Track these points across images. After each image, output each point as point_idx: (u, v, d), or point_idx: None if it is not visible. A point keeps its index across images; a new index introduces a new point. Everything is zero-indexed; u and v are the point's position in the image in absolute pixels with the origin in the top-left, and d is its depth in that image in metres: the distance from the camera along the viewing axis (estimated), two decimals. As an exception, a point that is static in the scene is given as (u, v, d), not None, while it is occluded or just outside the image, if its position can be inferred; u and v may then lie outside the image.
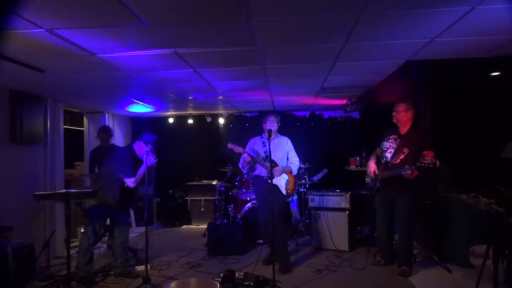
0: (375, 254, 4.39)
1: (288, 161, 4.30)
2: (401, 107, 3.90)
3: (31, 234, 4.48)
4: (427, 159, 3.41)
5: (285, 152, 4.30)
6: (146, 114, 7.17)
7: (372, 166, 4.08)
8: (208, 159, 7.54)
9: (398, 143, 3.93)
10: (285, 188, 4.20)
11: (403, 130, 3.96)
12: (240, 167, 4.35)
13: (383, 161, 4.01)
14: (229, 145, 4.22)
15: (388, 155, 3.96)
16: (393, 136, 4.00)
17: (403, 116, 3.90)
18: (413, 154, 3.73)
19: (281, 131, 4.46)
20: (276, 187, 4.09)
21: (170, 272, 4.20)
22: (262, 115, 4.26)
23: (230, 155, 4.06)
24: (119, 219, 4.07)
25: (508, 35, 2.90)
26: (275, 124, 4.24)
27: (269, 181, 3.75)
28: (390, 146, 3.99)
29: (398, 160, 3.83)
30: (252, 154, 4.21)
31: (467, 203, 3.99)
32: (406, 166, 3.60)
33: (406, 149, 3.81)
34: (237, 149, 4.19)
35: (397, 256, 4.05)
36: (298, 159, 4.36)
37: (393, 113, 3.96)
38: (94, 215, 3.90)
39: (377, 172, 4.00)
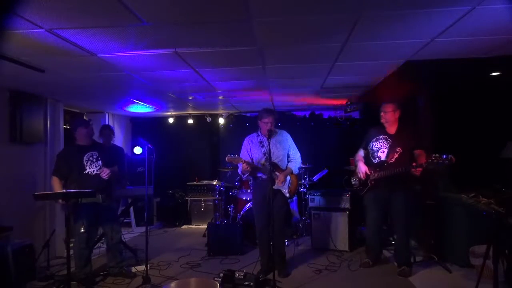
0: (362, 254, 4.33)
1: (289, 159, 4.06)
2: (389, 107, 3.93)
3: (31, 234, 4.48)
4: (442, 155, 3.32)
5: (286, 151, 4.04)
6: (146, 114, 7.17)
7: (363, 167, 4.03)
8: (208, 159, 7.54)
9: (389, 143, 3.93)
10: (288, 190, 3.97)
11: (391, 129, 3.97)
12: (240, 173, 4.08)
13: (375, 161, 3.99)
14: (228, 158, 3.93)
15: (381, 155, 3.95)
16: (383, 136, 4.00)
17: (391, 116, 3.93)
18: (406, 152, 3.78)
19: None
20: (278, 191, 3.92)
21: (170, 272, 4.20)
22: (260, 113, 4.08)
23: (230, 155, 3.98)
24: (107, 219, 4.01)
25: (508, 35, 2.90)
26: (273, 123, 3.92)
27: (270, 186, 3.59)
28: (381, 146, 3.99)
29: (393, 159, 3.84)
30: (250, 156, 4.01)
31: (467, 203, 3.98)
32: (414, 164, 3.60)
33: (399, 148, 3.84)
34: (237, 161, 3.91)
35: (398, 256, 4.06)
36: (299, 154, 4.13)
37: (381, 114, 3.98)
38: (78, 214, 3.78)
39: (368, 173, 3.98)
